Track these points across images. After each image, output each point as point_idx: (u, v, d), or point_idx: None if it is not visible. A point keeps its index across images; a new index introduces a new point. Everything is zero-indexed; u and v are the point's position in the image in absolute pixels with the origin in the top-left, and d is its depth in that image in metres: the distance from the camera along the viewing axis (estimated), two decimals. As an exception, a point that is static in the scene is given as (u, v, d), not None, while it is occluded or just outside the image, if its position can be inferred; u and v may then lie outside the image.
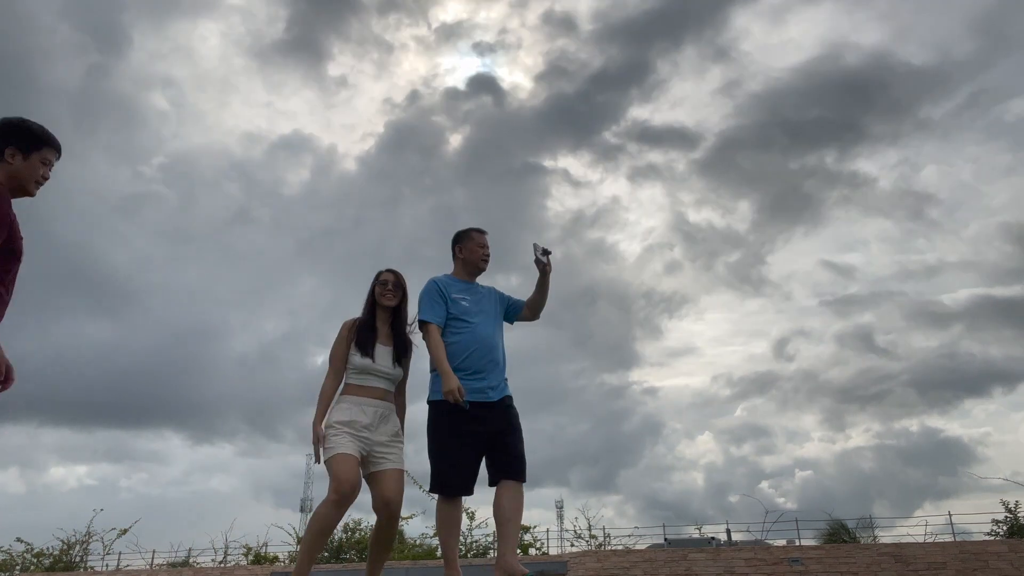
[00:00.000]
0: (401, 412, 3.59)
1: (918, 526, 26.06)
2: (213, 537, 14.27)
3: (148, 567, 14.01)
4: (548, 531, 15.68)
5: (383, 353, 3.47)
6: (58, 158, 2.62)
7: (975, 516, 25.33)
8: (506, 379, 3.63)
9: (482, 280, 3.87)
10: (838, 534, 12.67)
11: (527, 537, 12.30)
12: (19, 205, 2.52)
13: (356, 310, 3.67)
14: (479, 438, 3.41)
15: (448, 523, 3.43)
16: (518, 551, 11.77)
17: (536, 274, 3.76)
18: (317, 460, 3.30)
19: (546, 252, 3.70)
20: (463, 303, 3.59)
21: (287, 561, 12.62)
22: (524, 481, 3.45)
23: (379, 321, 3.55)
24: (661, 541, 13.85)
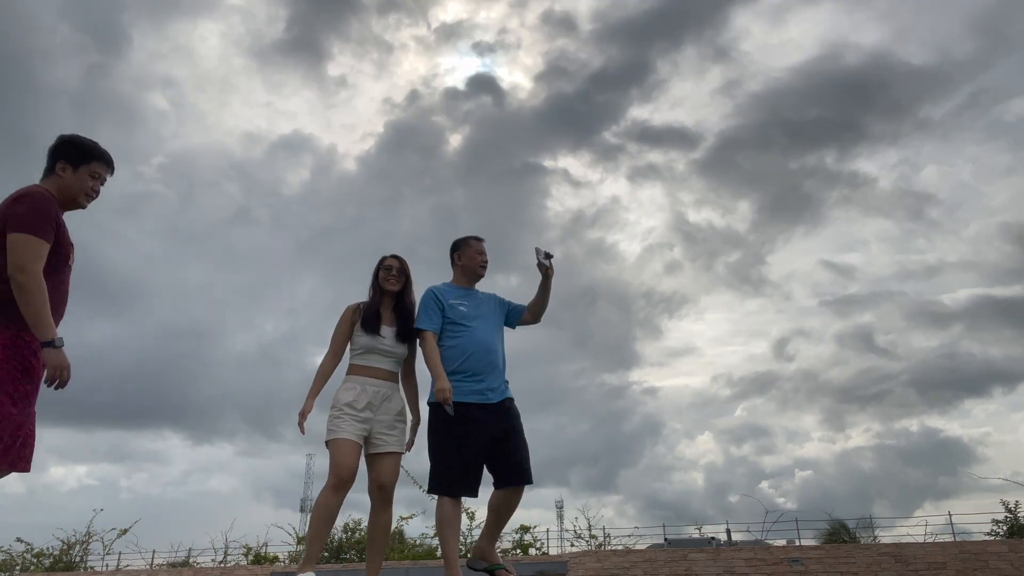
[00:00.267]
0: (412, 394, 3.71)
1: (918, 526, 26.12)
2: (213, 537, 14.28)
3: (148, 567, 14.01)
4: (548, 531, 15.71)
5: (387, 333, 3.59)
6: (110, 173, 2.76)
7: (975, 516, 25.40)
8: (507, 381, 3.69)
9: (482, 282, 3.92)
10: (838, 534, 12.68)
11: (527, 537, 12.30)
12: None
13: (356, 310, 3.75)
14: (479, 439, 3.45)
15: (448, 523, 3.46)
16: (518, 551, 11.79)
17: (538, 277, 3.81)
18: (302, 432, 3.39)
19: (548, 256, 3.75)
20: (461, 308, 3.67)
21: (287, 561, 12.61)
22: (529, 483, 3.55)
23: (382, 306, 3.66)
24: (661, 541, 13.86)
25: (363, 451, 3.45)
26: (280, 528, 18.42)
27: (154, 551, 14.51)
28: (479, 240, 3.87)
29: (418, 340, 3.65)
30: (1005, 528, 11.53)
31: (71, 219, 2.70)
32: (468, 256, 3.82)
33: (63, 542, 13.87)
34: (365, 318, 3.58)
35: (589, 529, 12.60)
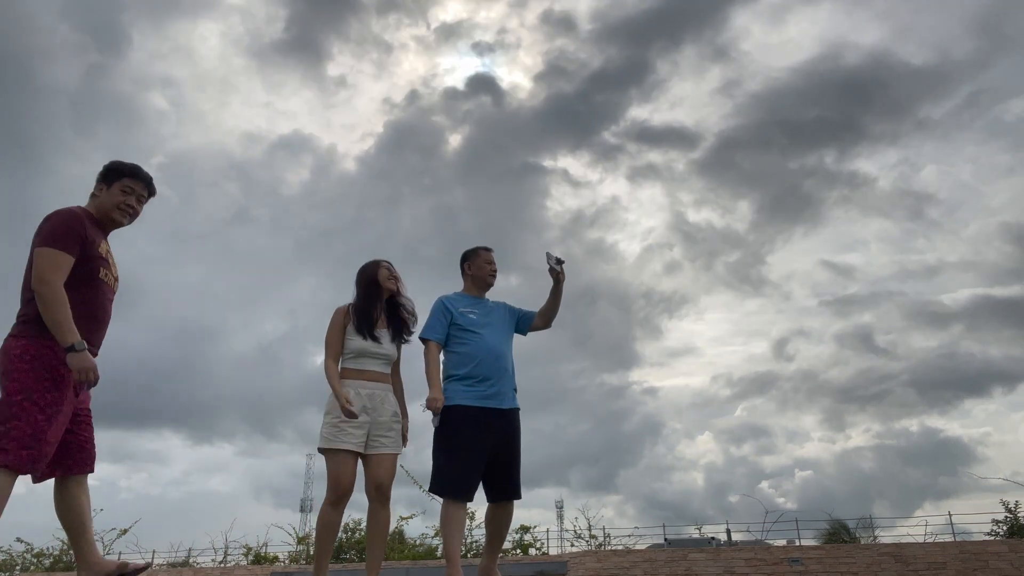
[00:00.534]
0: (399, 391, 3.73)
1: (918, 526, 26.16)
2: (213, 537, 14.23)
3: (148, 567, 13.99)
4: (548, 531, 15.71)
5: (381, 335, 3.62)
6: (146, 189, 2.94)
7: (975, 516, 25.46)
8: (515, 389, 3.78)
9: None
10: (838, 534, 12.68)
11: (527, 537, 12.30)
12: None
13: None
14: (484, 444, 3.53)
15: (453, 523, 3.50)
16: (518, 551, 11.79)
17: (549, 282, 3.89)
18: (355, 416, 3.38)
19: (560, 261, 3.81)
20: (471, 316, 3.77)
21: (287, 561, 12.61)
22: (518, 498, 3.67)
23: (375, 307, 3.68)
24: (661, 541, 13.87)
25: (364, 448, 3.47)
26: (280, 528, 18.51)
27: (154, 551, 14.51)
28: (488, 250, 3.97)
29: (424, 347, 3.72)
30: (1005, 528, 11.52)
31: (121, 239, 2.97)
32: (478, 266, 3.92)
33: (63, 542, 13.83)
34: (360, 321, 3.58)
35: (589, 529, 12.59)
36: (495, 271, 3.94)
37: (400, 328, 3.71)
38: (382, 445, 3.49)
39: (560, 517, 20.12)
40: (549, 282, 3.89)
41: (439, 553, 11.36)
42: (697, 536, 13.52)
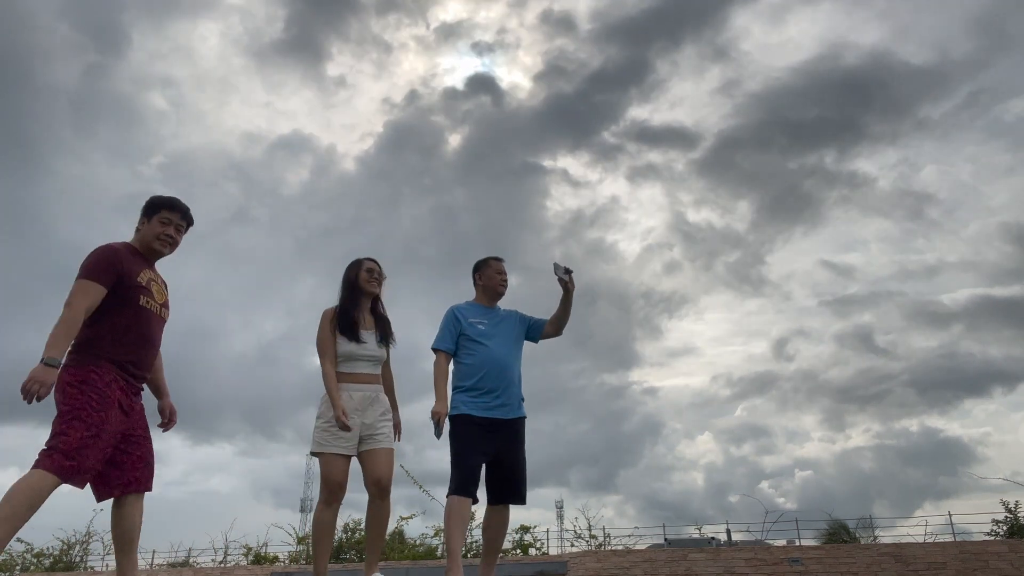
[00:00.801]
0: (389, 387, 3.77)
1: (918, 526, 26.13)
2: (213, 537, 14.24)
3: (148, 567, 14.01)
4: (548, 531, 15.71)
5: (368, 337, 3.63)
6: (183, 219, 3.12)
7: (975, 516, 25.44)
8: (523, 399, 3.84)
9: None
10: (838, 534, 12.67)
11: (527, 537, 12.30)
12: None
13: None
14: (488, 450, 3.61)
15: (454, 517, 3.53)
16: (518, 551, 11.79)
17: (559, 290, 3.91)
18: (348, 429, 3.43)
19: (568, 271, 3.84)
20: (480, 327, 3.83)
21: (287, 561, 12.61)
22: (522, 503, 3.72)
23: (360, 310, 3.70)
24: (661, 541, 13.87)
25: (356, 450, 3.51)
26: (280, 528, 18.39)
27: (154, 551, 14.53)
28: (499, 260, 4.03)
29: (434, 359, 3.79)
30: (1005, 528, 11.51)
31: (174, 267, 3.24)
32: (488, 276, 3.98)
33: (63, 542, 13.85)
34: (344, 324, 3.59)
35: (589, 529, 12.60)
36: (506, 281, 3.99)
37: (385, 330, 3.73)
38: (376, 441, 3.51)
39: (560, 517, 20.10)
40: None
41: (439, 553, 11.37)
42: (697, 536, 13.53)
